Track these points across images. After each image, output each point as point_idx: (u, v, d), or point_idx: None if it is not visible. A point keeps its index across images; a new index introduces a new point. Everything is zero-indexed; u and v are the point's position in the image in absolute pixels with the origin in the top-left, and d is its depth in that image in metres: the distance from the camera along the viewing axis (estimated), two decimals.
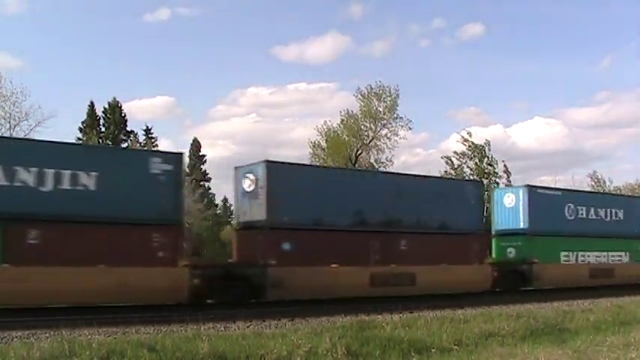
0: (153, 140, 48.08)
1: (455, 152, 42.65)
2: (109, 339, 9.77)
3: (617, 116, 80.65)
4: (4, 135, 28.81)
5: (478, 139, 43.15)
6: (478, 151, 42.10)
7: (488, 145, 42.75)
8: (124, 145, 45.71)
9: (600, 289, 22.63)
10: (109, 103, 47.90)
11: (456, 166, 42.10)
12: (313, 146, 41.58)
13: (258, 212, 16.49)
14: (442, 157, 43.38)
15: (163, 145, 50.67)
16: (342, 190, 17.62)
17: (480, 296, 18.91)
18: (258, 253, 16.31)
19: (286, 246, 16.31)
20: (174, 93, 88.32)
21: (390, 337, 10.31)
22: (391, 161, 41.12)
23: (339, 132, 41.21)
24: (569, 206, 23.43)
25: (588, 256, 23.85)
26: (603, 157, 78.70)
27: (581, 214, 23.80)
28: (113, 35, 74.50)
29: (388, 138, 40.60)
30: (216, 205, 53.95)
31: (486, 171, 41.62)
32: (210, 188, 54.00)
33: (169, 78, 80.00)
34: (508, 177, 43.37)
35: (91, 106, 46.97)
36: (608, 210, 24.93)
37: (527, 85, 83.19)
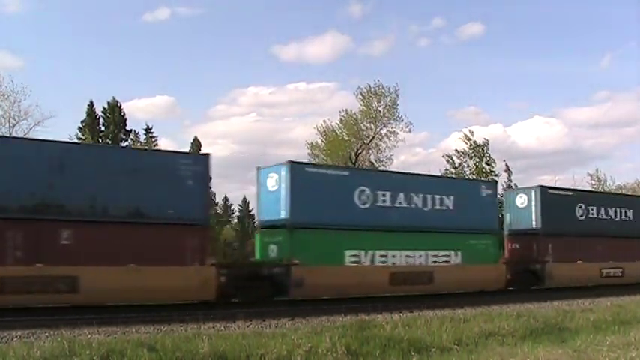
0: (153, 140, 48.04)
1: (456, 150, 42.58)
2: (108, 338, 9.78)
3: (616, 116, 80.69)
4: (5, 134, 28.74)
5: (477, 138, 43.07)
6: (478, 151, 42.04)
7: (487, 144, 42.72)
8: (124, 144, 45.64)
9: (599, 288, 22.34)
10: (108, 102, 47.75)
11: (456, 165, 42.03)
12: (311, 146, 41.63)
13: None
14: (443, 156, 43.28)
15: (163, 144, 50.61)
16: None
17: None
18: None
19: None
20: (174, 93, 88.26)
21: (390, 336, 10.32)
22: (391, 159, 41.16)
23: (337, 131, 41.21)
24: (363, 191, 17.92)
25: (393, 256, 18.39)
26: (603, 157, 78.76)
27: (383, 202, 18.34)
28: (113, 35, 74.52)
29: (388, 137, 40.60)
30: (216, 205, 53.96)
31: (484, 170, 41.54)
32: (210, 187, 53.81)
33: (169, 78, 79.99)
34: (509, 176, 43.37)
35: (91, 105, 46.90)
36: (429, 197, 19.37)
37: (526, 84, 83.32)
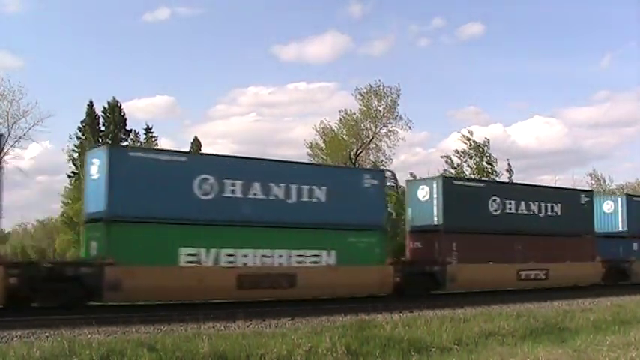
0: (153, 140, 48.07)
1: (456, 151, 42.56)
2: (109, 338, 9.79)
3: (616, 116, 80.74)
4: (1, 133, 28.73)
5: (478, 138, 43.06)
6: (479, 151, 42.04)
7: (488, 143, 42.72)
8: (124, 144, 45.58)
9: (600, 287, 22.23)
10: (108, 102, 47.85)
11: (456, 165, 42.02)
12: (311, 147, 41.64)
13: None
14: (442, 157, 43.26)
15: (164, 144, 50.64)
16: None
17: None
18: None
19: None
20: (174, 93, 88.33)
21: (390, 336, 10.33)
22: (390, 159, 41.16)
23: (336, 131, 41.21)
24: (205, 179, 15.48)
25: (244, 255, 15.80)
26: (603, 157, 78.84)
27: (232, 192, 15.87)
28: (113, 35, 74.56)
29: (388, 137, 40.61)
30: None
31: (485, 169, 41.53)
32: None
33: (169, 78, 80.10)
34: (510, 176, 43.36)
35: (91, 105, 46.96)
36: (294, 187, 16.71)
37: (526, 84, 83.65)
